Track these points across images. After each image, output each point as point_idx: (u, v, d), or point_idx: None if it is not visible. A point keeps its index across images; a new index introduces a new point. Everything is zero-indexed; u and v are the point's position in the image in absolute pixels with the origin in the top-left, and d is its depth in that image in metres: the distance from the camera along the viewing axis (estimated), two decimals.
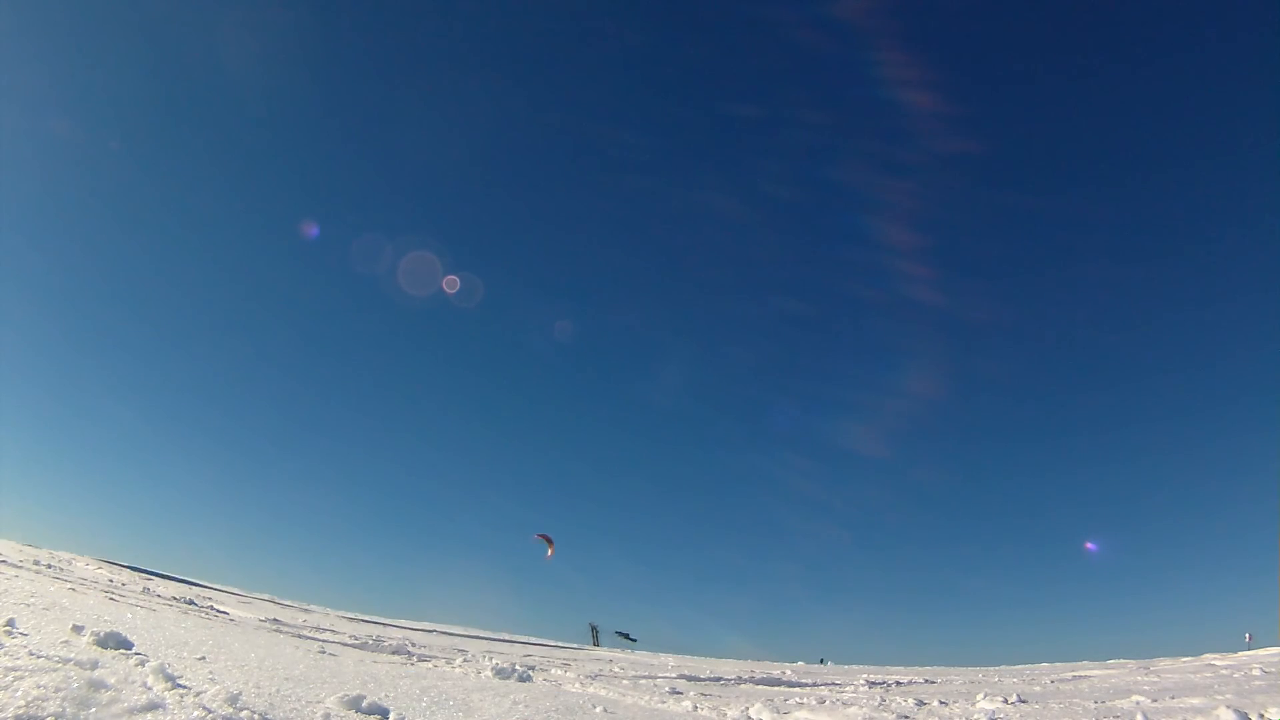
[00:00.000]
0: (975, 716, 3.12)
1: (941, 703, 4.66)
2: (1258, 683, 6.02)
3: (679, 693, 4.89)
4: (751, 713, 2.85)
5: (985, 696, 5.11)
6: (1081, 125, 46.67)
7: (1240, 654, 11.69)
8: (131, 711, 1.35)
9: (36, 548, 12.16)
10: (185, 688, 1.64)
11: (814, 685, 6.73)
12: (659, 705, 4.84)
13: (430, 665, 4.41)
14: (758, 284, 49.46)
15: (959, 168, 44.39)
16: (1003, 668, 12.28)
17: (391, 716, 1.83)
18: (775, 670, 9.21)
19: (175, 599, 7.15)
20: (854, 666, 12.73)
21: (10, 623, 2.17)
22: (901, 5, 43.14)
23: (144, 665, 1.84)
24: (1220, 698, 4.62)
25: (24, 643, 1.94)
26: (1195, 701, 4.50)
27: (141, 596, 6.60)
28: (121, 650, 2.07)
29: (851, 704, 4.10)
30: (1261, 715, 2.59)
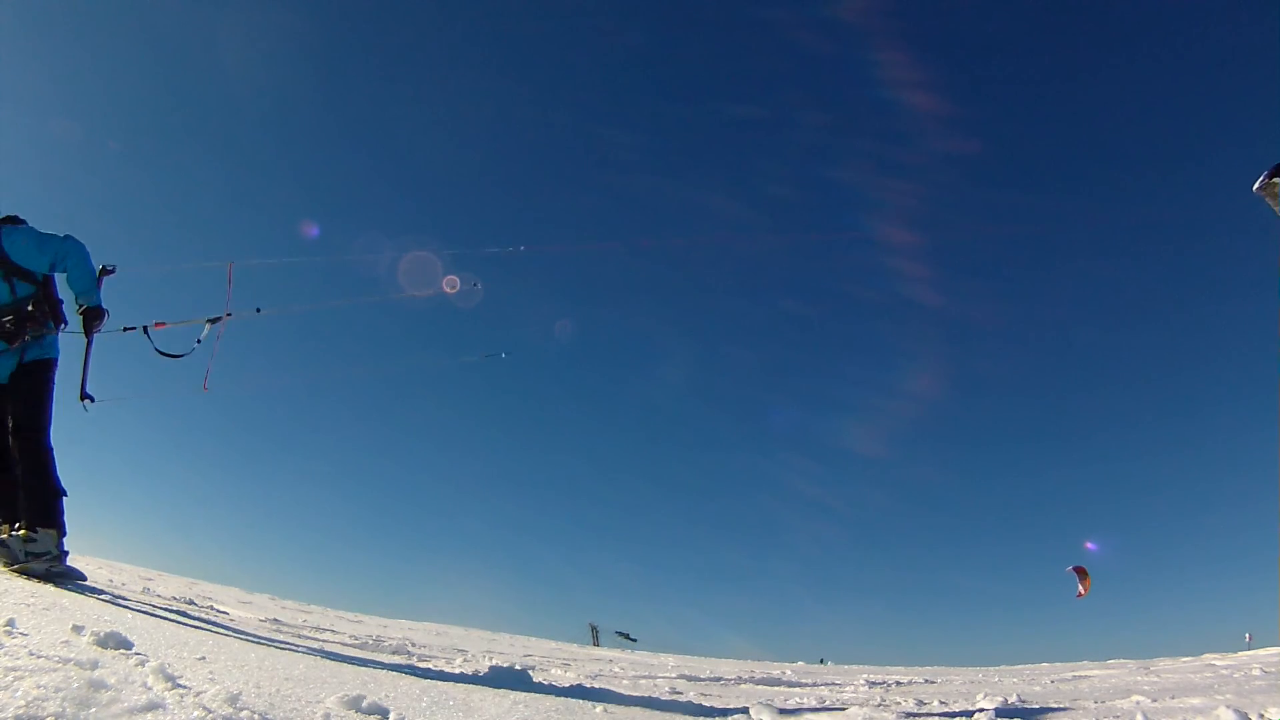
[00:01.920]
0: (975, 716, 3.12)
1: (941, 703, 4.66)
2: (1258, 683, 6.02)
3: (679, 693, 4.89)
4: (752, 713, 2.85)
5: (985, 696, 5.11)
6: (1082, 125, 46.69)
7: (1240, 654, 11.69)
8: (131, 711, 1.35)
9: None
10: (185, 688, 1.64)
11: (814, 685, 6.73)
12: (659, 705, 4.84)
13: (430, 665, 4.42)
14: (758, 284, 49.44)
15: (959, 168, 44.38)
16: (1003, 668, 12.28)
17: (391, 716, 1.83)
18: (775, 670, 9.20)
19: (175, 598, 7.17)
20: (854, 666, 12.73)
21: (10, 623, 2.17)
22: (901, 5, 43.12)
23: (144, 665, 1.84)
24: (1220, 698, 4.62)
25: (24, 643, 1.94)
26: (1195, 701, 4.50)
27: (141, 596, 6.61)
28: (121, 650, 2.07)
29: (851, 704, 4.10)
30: (1261, 715, 2.60)
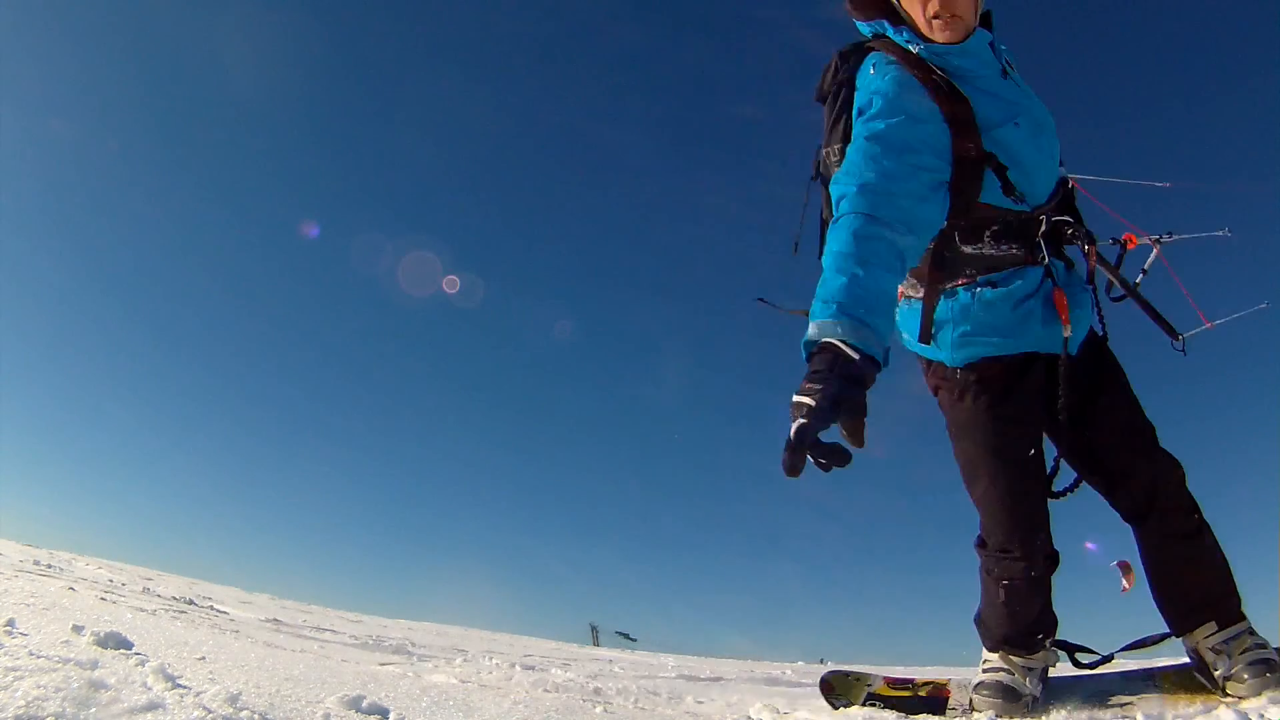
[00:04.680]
0: (975, 716, 3.13)
1: None
2: None
3: (679, 693, 4.89)
4: (752, 713, 2.86)
5: None
6: (1081, 124, 46.67)
7: None
8: (131, 711, 1.35)
9: (36, 548, 12.17)
10: (185, 688, 1.64)
11: (814, 685, 6.73)
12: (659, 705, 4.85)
13: (430, 665, 4.43)
14: (757, 284, 49.42)
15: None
16: None
17: (391, 716, 1.83)
18: (775, 670, 9.20)
19: (175, 598, 7.16)
20: (854, 666, 12.74)
21: (10, 623, 2.17)
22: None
23: (144, 665, 1.84)
24: (1220, 697, 4.62)
25: (24, 643, 1.94)
26: (1195, 700, 4.50)
27: (141, 596, 6.60)
28: (121, 650, 2.07)
29: (853, 704, 4.09)
30: (1261, 715, 2.61)
